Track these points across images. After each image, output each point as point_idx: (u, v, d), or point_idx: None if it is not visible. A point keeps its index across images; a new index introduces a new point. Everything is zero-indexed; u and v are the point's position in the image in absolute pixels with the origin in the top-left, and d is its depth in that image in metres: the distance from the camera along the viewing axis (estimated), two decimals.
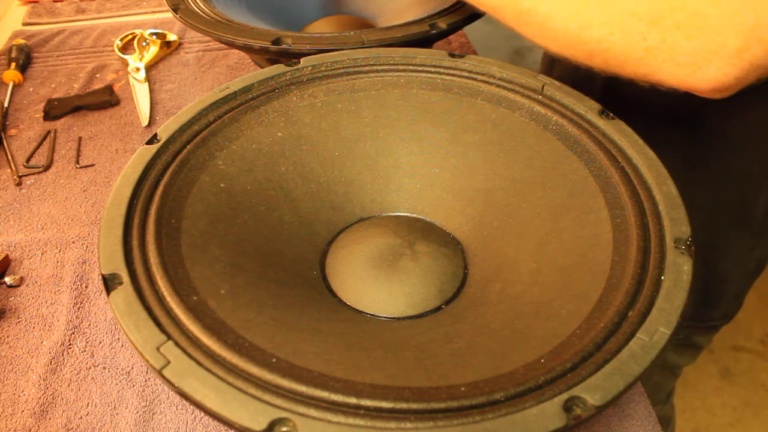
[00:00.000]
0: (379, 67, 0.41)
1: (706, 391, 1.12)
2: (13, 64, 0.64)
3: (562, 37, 0.36)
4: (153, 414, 0.35)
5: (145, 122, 0.58)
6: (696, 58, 0.30)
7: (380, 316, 0.33)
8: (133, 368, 0.37)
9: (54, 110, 0.59)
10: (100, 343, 0.39)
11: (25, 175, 0.52)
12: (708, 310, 0.61)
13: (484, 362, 0.25)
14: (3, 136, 0.56)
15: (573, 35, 0.35)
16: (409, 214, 0.39)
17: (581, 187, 0.33)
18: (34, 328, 0.40)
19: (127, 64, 0.65)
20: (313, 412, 0.22)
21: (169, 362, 0.23)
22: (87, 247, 0.46)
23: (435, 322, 0.32)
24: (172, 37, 0.70)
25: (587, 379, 0.23)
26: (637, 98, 0.42)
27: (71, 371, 0.37)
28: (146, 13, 0.77)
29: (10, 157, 0.54)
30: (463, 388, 0.23)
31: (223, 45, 0.58)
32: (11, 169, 0.53)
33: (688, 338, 0.65)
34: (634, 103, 0.41)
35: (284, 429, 0.21)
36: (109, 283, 0.26)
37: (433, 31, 0.49)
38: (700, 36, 0.30)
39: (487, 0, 0.40)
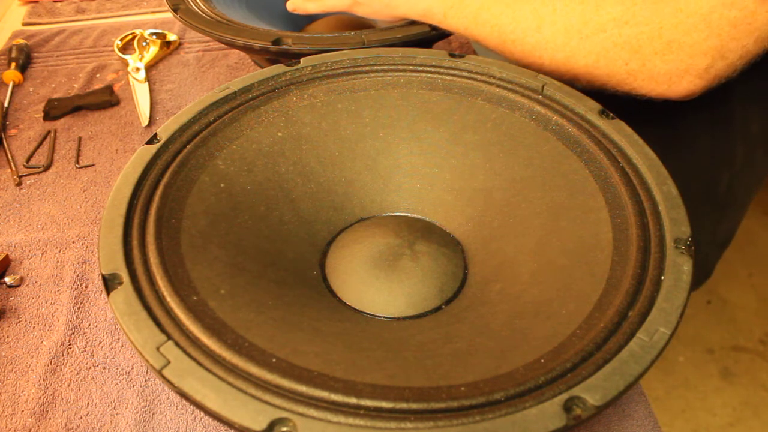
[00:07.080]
0: (379, 67, 0.41)
1: (706, 391, 1.12)
2: (13, 64, 0.64)
3: (548, 64, 0.40)
4: (153, 414, 0.35)
5: (145, 122, 0.58)
6: (671, 76, 0.36)
7: (380, 316, 0.33)
8: (133, 368, 0.37)
9: (54, 110, 0.59)
10: (100, 343, 0.39)
11: (25, 175, 0.52)
12: None
13: (484, 362, 0.25)
14: (3, 136, 0.56)
15: (560, 63, 0.39)
16: (409, 214, 0.39)
17: (581, 187, 0.33)
18: (34, 328, 0.40)
19: (127, 64, 0.65)
20: (313, 412, 0.22)
21: (169, 362, 0.23)
22: (87, 247, 0.46)
23: (435, 322, 0.32)
24: (172, 37, 0.70)
25: (587, 379, 0.23)
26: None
27: (71, 371, 0.37)
28: (146, 13, 0.77)
29: (10, 157, 0.54)
30: (463, 388, 0.23)
31: (223, 45, 0.58)
32: (11, 169, 0.53)
33: None
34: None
35: (284, 429, 0.21)
36: (109, 283, 0.26)
37: (434, 32, 0.49)
38: (675, 59, 0.36)
39: (471, 32, 0.44)
